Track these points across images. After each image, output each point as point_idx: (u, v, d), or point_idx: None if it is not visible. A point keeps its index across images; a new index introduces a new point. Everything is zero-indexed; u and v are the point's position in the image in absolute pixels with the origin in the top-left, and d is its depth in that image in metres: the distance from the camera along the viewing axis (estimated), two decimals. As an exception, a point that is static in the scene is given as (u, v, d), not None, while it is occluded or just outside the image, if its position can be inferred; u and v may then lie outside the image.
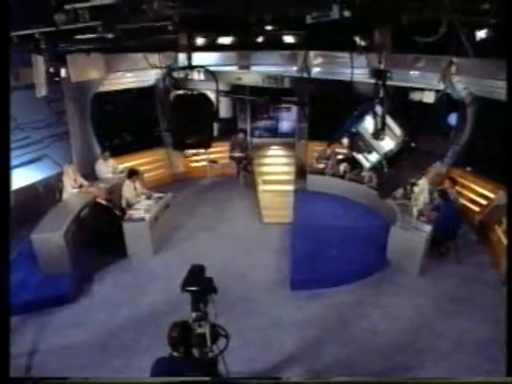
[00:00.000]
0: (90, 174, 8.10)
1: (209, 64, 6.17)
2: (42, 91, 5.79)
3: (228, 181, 10.33)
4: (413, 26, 2.54)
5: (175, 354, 2.76)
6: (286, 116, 11.39)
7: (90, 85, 8.21)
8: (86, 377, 4.24)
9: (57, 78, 6.55)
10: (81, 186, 7.42)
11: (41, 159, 8.01)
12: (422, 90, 6.80)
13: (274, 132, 11.52)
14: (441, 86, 6.83)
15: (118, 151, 9.11)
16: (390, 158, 3.26)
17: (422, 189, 7.19)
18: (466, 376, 4.31)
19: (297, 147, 10.86)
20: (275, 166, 10.61)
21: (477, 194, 7.99)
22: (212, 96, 3.30)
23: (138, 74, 8.83)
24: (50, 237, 5.79)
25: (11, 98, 2.95)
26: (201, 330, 3.25)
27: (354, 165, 8.61)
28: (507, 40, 3.08)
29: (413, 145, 3.15)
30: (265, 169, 10.33)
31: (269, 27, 4.65)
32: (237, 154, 10.26)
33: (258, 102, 10.40)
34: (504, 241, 6.30)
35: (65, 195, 7.22)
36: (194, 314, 3.25)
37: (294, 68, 8.63)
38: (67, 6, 2.70)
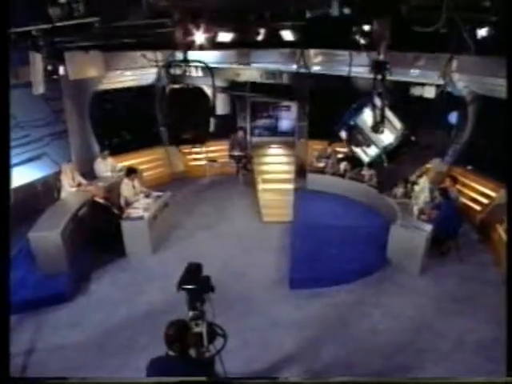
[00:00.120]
0: (89, 173, 8.07)
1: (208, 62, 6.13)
2: (39, 89, 5.75)
3: (227, 180, 10.30)
4: (413, 15, 2.50)
5: (171, 353, 2.72)
6: (285, 115, 11.32)
7: (88, 83, 8.18)
8: (84, 377, 4.20)
9: (55, 76, 6.53)
10: (79, 185, 7.39)
11: (40, 157, 8.00)
12: (423, 85, 6.76)
13: (273, 131, 11.45)
14: (441, 81, 6.78)
15: (117, 150, 9.08)
16: (390, 152, 3.19)
17: (422, 187, 7.15)
18: (467, 376, 4.27)
19: (297, 146, 10.83)
20: (275, 164, 10.55)
21: (478, 192, 7.95)
22: (209, 91, 3.26)
23: (137, 72, 8.80)
24: (47, 235, 5.76)
25: (10, 97, 2.91)
26: (198, 329, 3.22)
27: (355, 163, 8.59)
28: (508, 38, 3.05)
29: (413, 138, 3.09)
30: (264, 167, 10.27)
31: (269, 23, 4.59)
32: (236, 153, 10.23)
33: (257, 98, 10.33)
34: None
35: (63, 194, 7.19)
36: (190, 313, 3.21)
37: (294, 66, 8.58)
38: (61, 0, 2.66)
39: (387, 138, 3.20)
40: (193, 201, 9.03)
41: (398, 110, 3.20)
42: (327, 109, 8.77)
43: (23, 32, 3.97)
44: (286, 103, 11.03)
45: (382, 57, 2.92)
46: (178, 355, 2.71)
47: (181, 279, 3.22)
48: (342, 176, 8.92)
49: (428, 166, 8.31)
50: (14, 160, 7.08)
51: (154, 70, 8.82)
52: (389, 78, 3.11)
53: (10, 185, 6.00)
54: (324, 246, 6.68)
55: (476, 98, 7.91)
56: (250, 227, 7.86)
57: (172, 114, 3.22)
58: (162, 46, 6.34)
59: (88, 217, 6.72)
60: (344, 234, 7.06)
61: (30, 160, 7.76)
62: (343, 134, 3.44)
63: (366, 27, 3.39)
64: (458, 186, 7.23)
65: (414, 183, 7.30)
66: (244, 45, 7.90)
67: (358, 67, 5.87)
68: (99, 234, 6.49)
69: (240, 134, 10.53)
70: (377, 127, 3.12)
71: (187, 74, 3.94)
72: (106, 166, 8.26)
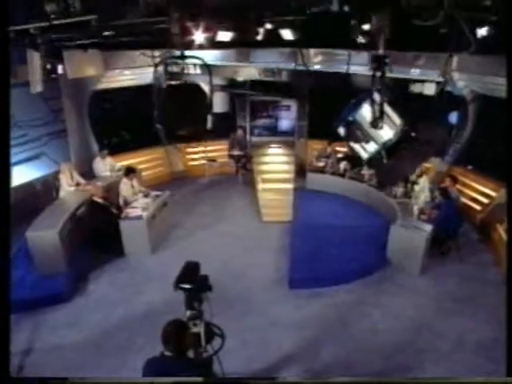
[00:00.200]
0: (88, 172, 8.04)
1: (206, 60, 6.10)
2: (37, 87, 5.73)
3: (227, 179, 10.27)
4: (412, 10, 2.47)
5: (167, 353, 2.68)
6: (285, 114, 11.29)
7: (87, 82, 8.16)
8: (82, 377, 4.18)
9: (54, 75, 6.51)
10: (78, 184, 7.36)
11: (38, 157, 7.98)
12: (423, 82, 6.73)
13: (273, 130, 11.42)
14: (441, 79, 6.76)
15: (116, 149, 9.06)
16: (389, 148, 3.15)
17: (422, 187, 7.13)
18: (467, 376, 4.24)
19: (296, 145, 10.81)
20: (274, 164, 10.53)
21: (478, 192, 7.92)
22: (206, 88, 3.23)
23: (136, 71, 8.76)
24: (44, 235, 5.72)
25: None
26: (195, 329, 3.18)
27: (354, 163, 8.57)
28: (508, 37, 3.03)
29: (413, 134, 3.06)
30: (264, 167, 10.25)
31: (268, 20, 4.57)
32: (236, 153, 10.21)
33: (256, 97, 10.29)
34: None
35: (61, 193, 7.16)
36: (188, 313, 3.18)
37: (293, 64, 8.57)
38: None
39: (386, 133, 3.16)
40: (192, 200, 9.00)
41: (398, 106, 3.16)
42: (327, 108, 8.73)
43: (21, 30, 3.95)
44: (285, 102, 11.01)
45: (381, 51, 2.88)
46: (175, 355, 2.68)
47: (178, 278, 3.18)
48: (342, 176, 8.90)
49: (428, 165, 8.29)
50: (12, 159, 7.05)
51: (153, 70, 8.79)
52: (388, 75, 3.08)
53: (10, 184, 5.96)
54: (324, 245, 6.65)
55: (476, 97, 7.89)
56: (249, 227, 7.83)
57: (169, 110, 3.20)
58: (160, 45, 6.31)
59: (86, 216, 6.69)
60: (344, 234, 7.03)
61: (28, 159, 7.74)
62: (341, 130, 3.40)
63: (366, 26, 3.37)
64: (458, 186, 7.19)
65: (414, 183, 7.28)
66: (244, 44, 7.89)
67: (357, 66, 5.86)
68: (98, 233, 6.46)
69: (239, 133, 10.50)
70: (376, 123, 3.08)
71: (185, 71, 3.91)
72: (105, 166, 8.23)
